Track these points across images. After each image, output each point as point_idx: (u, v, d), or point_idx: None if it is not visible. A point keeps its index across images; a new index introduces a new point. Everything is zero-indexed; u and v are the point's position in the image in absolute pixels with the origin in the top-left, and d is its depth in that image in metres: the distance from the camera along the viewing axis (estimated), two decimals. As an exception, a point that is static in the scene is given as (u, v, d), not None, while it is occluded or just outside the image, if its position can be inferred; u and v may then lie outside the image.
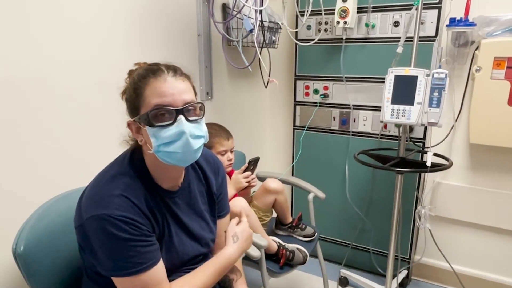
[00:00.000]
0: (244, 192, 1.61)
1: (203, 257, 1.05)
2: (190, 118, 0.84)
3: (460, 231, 2.01)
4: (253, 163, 1.56)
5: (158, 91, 0.82)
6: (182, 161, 0.87)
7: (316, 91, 2.08)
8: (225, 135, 1.56)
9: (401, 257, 2.04)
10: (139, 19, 1.43)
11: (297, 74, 2.12)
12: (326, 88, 2.05)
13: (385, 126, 1.95)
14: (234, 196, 1.50)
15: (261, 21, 1.65)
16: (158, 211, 0.89)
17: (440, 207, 2.00)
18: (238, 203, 1.41)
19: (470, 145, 1.88)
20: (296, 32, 2.04)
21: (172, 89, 0.82)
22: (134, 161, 0.89)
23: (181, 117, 0.82)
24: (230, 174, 1.68)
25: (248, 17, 1.46)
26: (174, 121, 0.82)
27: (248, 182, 1.53)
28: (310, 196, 1.86)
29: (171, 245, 0.93)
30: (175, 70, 0.86)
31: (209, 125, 1.66)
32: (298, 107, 2.17)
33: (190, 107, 0.84)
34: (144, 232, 0.82)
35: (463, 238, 2.01)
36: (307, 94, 2.12)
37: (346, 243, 2.20)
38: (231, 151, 1.58)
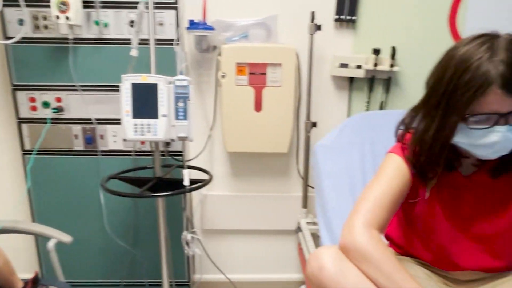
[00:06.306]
0: None
1: None
2: None
3: (231, 240, 1.97)
4: None
5: None
6: None
7: (46, 104, 1.61)
8: None
9: (179, 282, 1.85)
10: None
11: (15, 83, 1.59)
12: (59, 99, 1.61)
13: (142, 142, 1.69)
14: None
15: None
16: None
17: (210, 219, 1.91)
18: None
19: (228, 153, 1.83)
20: (4, 28, 1.51)
21: None
22: None
23: None
24: None
25: None
26: None
27: None
28: (50, 244, 1.40)
29: None
30: None
31: None
32: (25, 126, 1.64)
33: None
34: None
35: (235, 246, 1.98)
36: (34, 108, 1.62)
37: (115, 283, 1.85)
38: None
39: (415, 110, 0.93)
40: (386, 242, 1.16)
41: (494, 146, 0.80)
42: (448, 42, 1.70)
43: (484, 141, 0.79)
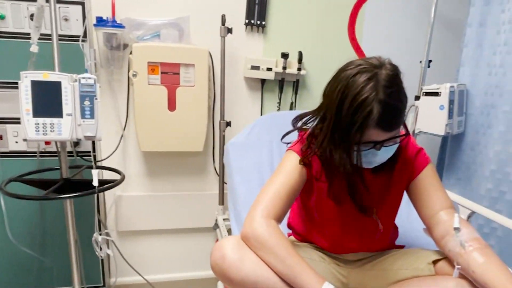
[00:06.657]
0: None
1: None
2: None
3: (149, 240, 1.95)
4: None
5: None
6: None
7: None
8: None
9: (92, 286, 1.80)
10: None
11: None
12: None
13: (46, 142, 1.60)
14: None
15: None
16: None
17: (126, 220, 1.87)
18: None
19: (142, 153, 1.82)
20: None
21: None
22: None
23: None
24: None
25: None
26: None
27: None
28: None
29: None
30: None
31: None
32: None
33: None
34: None
35: (153, 247, 1.97)
36: None
37: (21, 293, 1.73)
38: None
39: (312, 117, 1.04)
40: (288, 231, 1.26)
41: (372, 162, 0.96)
42: (347, 50, 1.90)
43: (364, 159, 0.94)
